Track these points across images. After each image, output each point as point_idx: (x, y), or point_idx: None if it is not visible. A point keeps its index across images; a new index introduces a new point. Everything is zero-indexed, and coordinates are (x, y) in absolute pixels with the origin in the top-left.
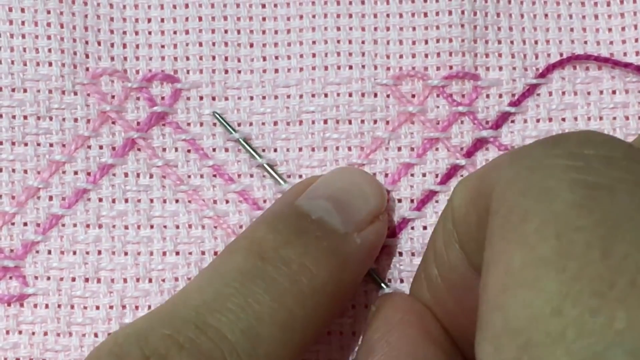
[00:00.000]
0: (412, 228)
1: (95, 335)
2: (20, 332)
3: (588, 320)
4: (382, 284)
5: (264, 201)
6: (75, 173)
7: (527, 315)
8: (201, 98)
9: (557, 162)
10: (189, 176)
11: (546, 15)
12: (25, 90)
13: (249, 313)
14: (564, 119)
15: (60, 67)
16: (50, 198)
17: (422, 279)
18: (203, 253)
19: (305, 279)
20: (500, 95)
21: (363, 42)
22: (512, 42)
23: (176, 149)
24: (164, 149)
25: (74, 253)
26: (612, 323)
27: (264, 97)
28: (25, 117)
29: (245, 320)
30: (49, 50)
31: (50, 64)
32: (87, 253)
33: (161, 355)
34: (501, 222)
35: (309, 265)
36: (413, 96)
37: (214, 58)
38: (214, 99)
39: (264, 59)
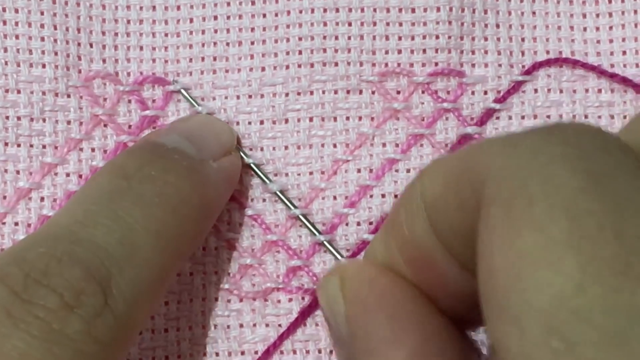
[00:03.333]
0: None
1: None
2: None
3: (612, 298)
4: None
5: (252, 200)
6: (67, 175)
7: (550, 295)
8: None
9: (556, 150)
10: None
11: (534, 12)
12: (18, 92)
13: (121, 224)
14: (548, 117)
15: (53, 69)
16: (42, 199)
17: (381, 245)
18: None
19: (171, 191)
20: (486, 92)
21: (349, 38)
22: (498, 39)
23: None
24: None
25: None
26: (635, 300)
27: (250, 96)
28: (18, 118)
29: (119, 231)
30: (42, 52)
31: (43, 66)
32: None
33: (40, 270)
34: (504, 208)
35: (172, 180)
36: (398, 92)
37: (202, 59)
38: (202, 99)
39: (252, 57)
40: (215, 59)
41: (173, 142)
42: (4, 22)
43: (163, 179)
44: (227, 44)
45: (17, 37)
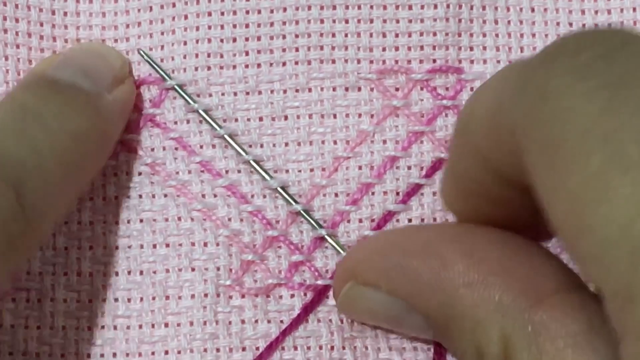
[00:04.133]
0: (398, 221)
1: (89, 328)
2: (12, 327)
3: None
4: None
5: (252, 196)
6: None
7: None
8: (188, 96)
9: (564, 80)
10: (177, 172)
11: (532, 8)
12: None
13: (29, 141)
14: None
15: None
16: None
17: (450, 188)
18: (193, 244)
19: (71, 124)
20: None
21: (346, 35)
22: (497, 35)
23: (164, 148)
24: (152, 149)
25: (66, 249)
26: None
27: (247, 93)
28: None
29: (27, 146)
30: None
31: None
32: (79, 249)
33: None
34: (540, 159)
35: (71, 113)
36: (397, 89)
37: (197, 56)
38: (198, 96)
39: (246, 53)
40: (209, 55)
41: (69, 77)
42: (5, 31)
43: (63, 112)
44: (222, 40)
45: (17, 46)
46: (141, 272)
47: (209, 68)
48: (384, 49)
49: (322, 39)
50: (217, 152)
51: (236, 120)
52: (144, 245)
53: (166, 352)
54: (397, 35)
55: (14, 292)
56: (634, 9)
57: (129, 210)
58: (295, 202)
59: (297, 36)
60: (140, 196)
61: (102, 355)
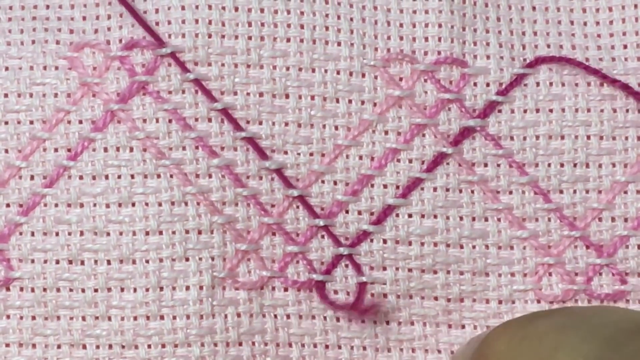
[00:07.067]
0: (397, 215)
1: (83, 318)
2: (8, 317)
3: None
4: None
5: (248, 177)
6: (56, 150)
7: None
8: (183, 64)
9: None
10: (170, 148)
11: (534, 7)
12: (7, 69)
13: None
14: (551, 110)
15: (42, 44)
16: (32, 177)
17: None
18: (187, 232)
19: None
20: (488, 84)
21: (351, 19)
22: (499, 32)
23: (157, 120)
24: (145, 120)
25: (57, 234)
26: None
27: (248, 66)
28: (5, 96)
29: None
30: (34, 29)
31: (33, 42)
32: (70, 234)
33: None
34: None
35: None
36: (401, 79)
37: (197, 22)
38: (196, 64)
39: (249, 24)
40: (210, 22)
41: None
42: None
43: None
44: (223, 8)
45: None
46: (134, 262)
47: (209, 36)
48: (388, 38)
49: (327, 19)
50: (213, 127)
51: (235, 93)
52: (136, 232)
53: (163, 346)
54: (401, 25)
55: (7, 281)
56: (635, 6)
57: (119, 193)
58: (293, 187)
59: (302, 13)
60: (132, 176)
61: (97, 347)
